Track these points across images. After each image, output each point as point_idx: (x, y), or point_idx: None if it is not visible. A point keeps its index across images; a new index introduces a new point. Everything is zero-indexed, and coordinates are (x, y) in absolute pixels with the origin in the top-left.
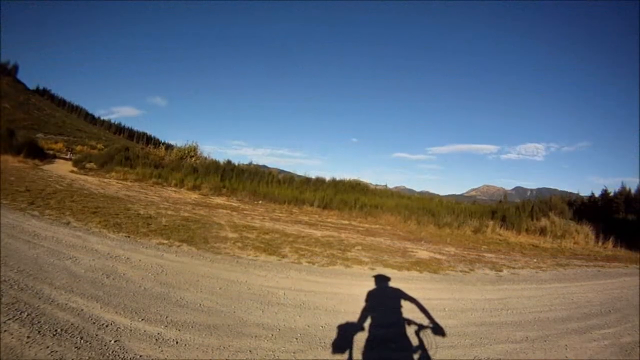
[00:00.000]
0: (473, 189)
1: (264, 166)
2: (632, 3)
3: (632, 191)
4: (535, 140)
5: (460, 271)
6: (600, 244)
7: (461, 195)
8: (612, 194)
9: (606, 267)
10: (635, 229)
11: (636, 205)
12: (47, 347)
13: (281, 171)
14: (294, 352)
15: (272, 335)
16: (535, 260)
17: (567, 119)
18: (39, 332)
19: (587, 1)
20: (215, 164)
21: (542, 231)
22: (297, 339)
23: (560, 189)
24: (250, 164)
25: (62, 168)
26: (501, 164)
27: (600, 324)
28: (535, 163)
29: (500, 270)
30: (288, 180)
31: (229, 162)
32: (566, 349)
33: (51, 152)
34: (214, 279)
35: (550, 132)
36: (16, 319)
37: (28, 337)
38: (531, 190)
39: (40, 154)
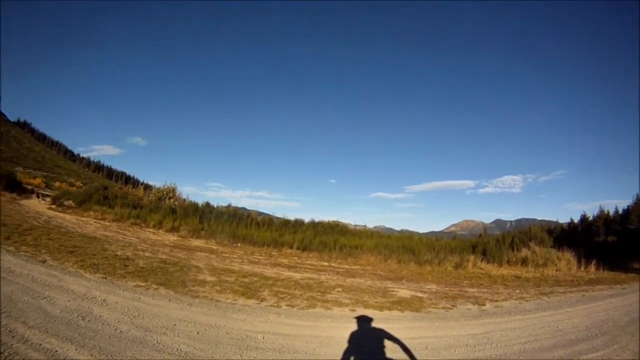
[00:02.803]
0: (453, 225)
1: (243, 208)
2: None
3: (611, 213)
4: (512, 173)
5: (443, 308)
6: (582, 268)
7: (441, 231)
8: (591, 218)
9: (590, 291)
10: (616, 250)
11: (615, 226)
12: None
13: (260, 213)
14: None
15: None
16: (518, 291)
17: (543, 149)
18: None
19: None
20: (194, 205)
21: (524, 261)
22: None
23: (539, 218)
24: (229, 206)
25: (38, 204)
26: (479, 198)
27: (588, 349)
28: (513, 195)
29: (483, 304)
30: (267, 222)
31: (207, 204)
32: None
33: (29, 186)
34: (192, 323)
35: (527, 163)
36: None
37: None
38: (510, 222)
39: (19, 188)
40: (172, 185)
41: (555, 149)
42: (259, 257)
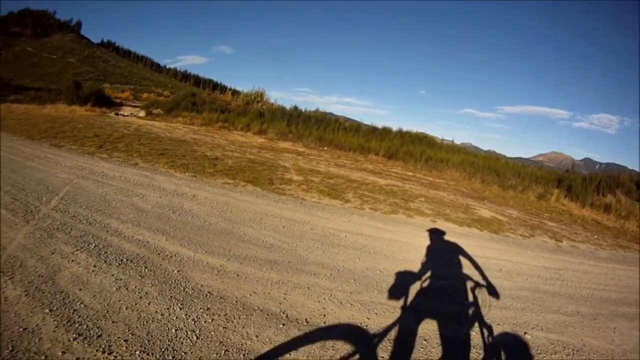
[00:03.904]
0: (540, 154)
1: (331, 113)
2: None
3: None
4: (609, 111)
5: (520, 235)
6: None
7: (528, 159)
8: None
9: None
10: None
11: None
12: (112, 275)
13: (347, 119)
14: (350, 293)
15: (331, 274)
16: (596, 236)
17: None
18: (105, 261)
19: None
20: (282, 109)
21: (606, 208)
22: (354, 280)
23: (630, 167)
24: (316, 110)
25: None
26: (572, 131)
27: None
28: (607, 136)
29: (560, 241)
30: (354, 128)
31: (295, 108)
32: (614, 331)
33: (118, 100)
34: (277, 218)
35: (627, 103)
36: (84, 250)
37: (95, 266)
38: (600, 163)
39: (108, 102)
40: (260, 90)
41: None
42: (345, 161)
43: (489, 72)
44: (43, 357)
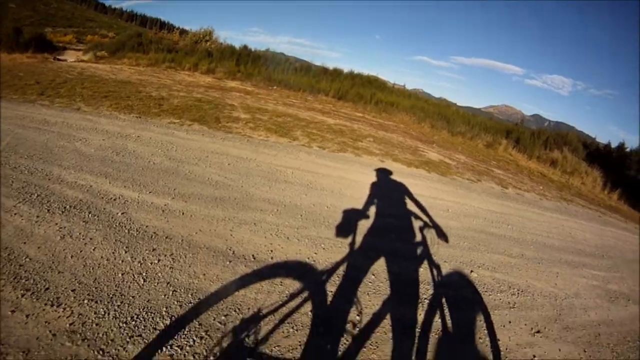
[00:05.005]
0: (492, 106)
1: (282, 54)
2: None
3: None
4: (563, 73)
5: (468, 179)
6: (606, 192)
7: (479, 109)
8: (628, 149)
9: (607, 215)
10: None
11: None
12: (56, 224)
13: (299, 60)
14: (297, 228)
15: (277, 210)
16: (541, 187)
17: (601, 61)
18: (48, 210)
19: None
20: (231, 48)
21: (553, 163)
22: (301, 216)
23: (578, 128)
24: (267, 50)
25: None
26: (524, 88)
27: (592, 264)
28: (559, 96)
29: (506, 188)
30: (305, 68)
31: (245, 47)
32: (557, 276)
33: (60, 44)
34: (224, 156)
35: (580, 69)
36: (26, 201)
37: (37, 216)
38: (549, 121)
39: (50, 47)
40: (209, 29)
41: (613, 66)
42: (294, 101)
43: (445, 22)
44: None
